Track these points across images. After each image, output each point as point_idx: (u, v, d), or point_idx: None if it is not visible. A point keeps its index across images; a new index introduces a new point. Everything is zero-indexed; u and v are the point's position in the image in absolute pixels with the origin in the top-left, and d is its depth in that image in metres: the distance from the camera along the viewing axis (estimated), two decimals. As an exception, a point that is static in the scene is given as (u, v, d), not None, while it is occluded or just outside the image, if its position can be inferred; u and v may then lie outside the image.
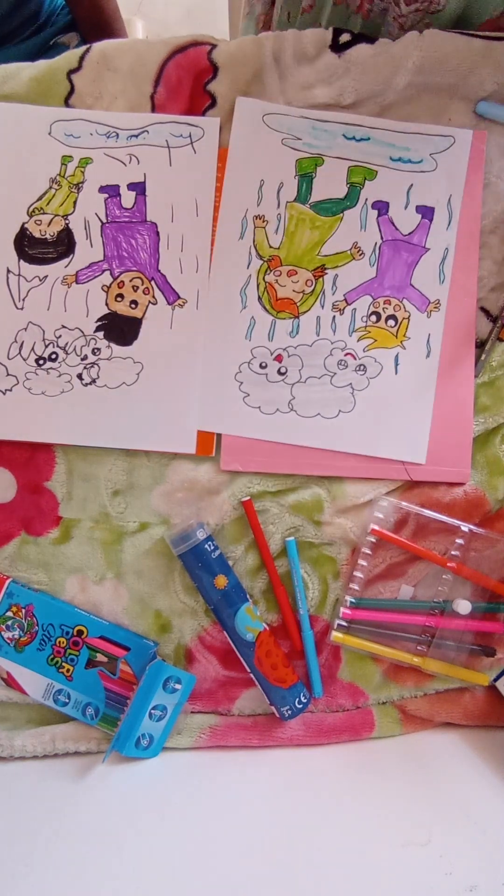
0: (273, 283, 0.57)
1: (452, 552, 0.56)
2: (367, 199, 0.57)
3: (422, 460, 0.56)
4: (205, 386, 0.56)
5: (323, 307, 0.57)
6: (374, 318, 0.56)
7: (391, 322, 0.56)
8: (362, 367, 0.56)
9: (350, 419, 0.56)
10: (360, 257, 0.57)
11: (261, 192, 0.57)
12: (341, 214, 0.57)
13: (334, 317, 0.56)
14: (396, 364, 0.56)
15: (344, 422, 0.56)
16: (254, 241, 0.57)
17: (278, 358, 0.56)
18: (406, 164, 0.57)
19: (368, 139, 0.57)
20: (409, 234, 0.57)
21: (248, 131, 0.57)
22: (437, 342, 0.56)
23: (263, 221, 0.57)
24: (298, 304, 0.57)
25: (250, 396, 0.56)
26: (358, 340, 0.56)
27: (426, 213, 0.57)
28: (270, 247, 0.57)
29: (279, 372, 0.56)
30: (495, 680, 0.56)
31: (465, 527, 0.55)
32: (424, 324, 0.57)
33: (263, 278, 0.57)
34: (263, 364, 0.56)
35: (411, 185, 0.57)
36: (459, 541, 0.56)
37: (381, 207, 0.57)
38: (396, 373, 0.56)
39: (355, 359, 0.56)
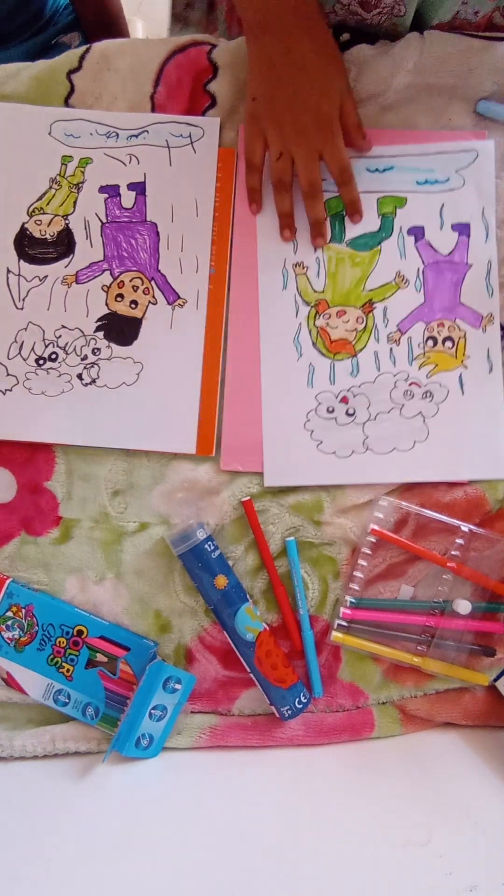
0: (324, 326, 0.56)
1: (452, 552, 0.56)
2: (401, 227, 0.57)
3: (503, 475, 0.55)
4: (274, 441, 0.56)
5: (378, 341, 0.56)
6: (430, 343, 0.56)
7: (448, 344, 0.56)
8: (429, 394, 0.56)
9: (426, 448, 0.55)
10: (405, 286, 0.56)
11: (296, 240, 0.57)
12: (379, 247, 0.57)
13: (391, 349, 0.56)
14: (461, 385, 0.56)
15: (421, 451, 0.55)
16: (297, 289, 0.57)
17: (344, 400, 0.56)
18: (434, 185, 0.57)
19: (392, 168, 0.57)
20: (450, 253, 0.57)
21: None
22: (497, 355, 0.56)
23: (303, 268, 0.57)
24: (353, 342, 0.56)
25: (323, 443, 0.56)
26: (419, 368, 0.56)
27: (462, 229, 0.57)
28: (315, 291, 0.57)
29: (347, 413, 0.56)
30: (495, 680, 0.56)
31: (465, 527, 0.55)
32: (481, 339, 0.56)
33: (314, 323, 0.56)
34: (330, 409, 0.56)
35: (442, 204, 0.57)
36: (459, 541, 0.56)
37: (417, 233, 0.57)
38: (463, 393, 0.56)
39: (420, 387, 0.56)
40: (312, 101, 0.50)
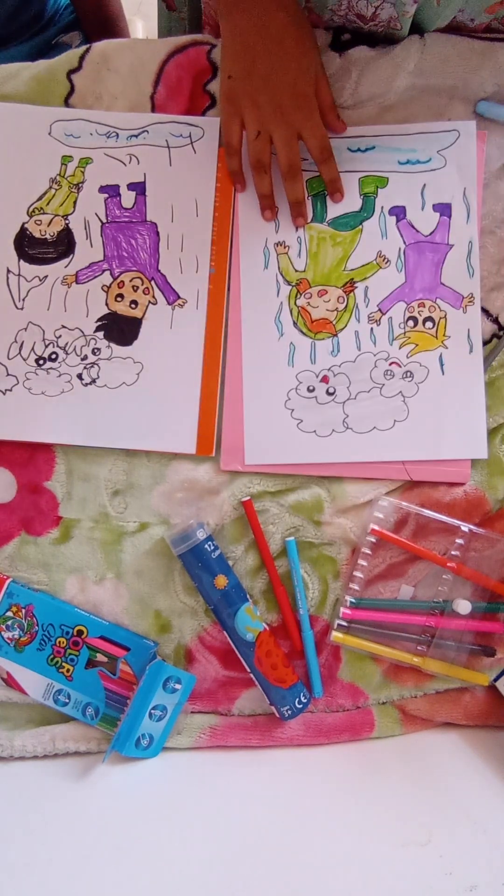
0: (305, 305, 0.57)
1: (452, 552, 0.56)
2: (383, 207, 0.57)
3: (484, 455, 0.55)
4: (254, 420, 0.56)
5: (359, 321, 0.56)
6: (411, 322, 0.56)
7: (429, 324, 0.56)
8: (409, 374, 0.56)
9: (406, 427, 0.56)
10: (386, 265, 0.56)
11: (277, 219, 0.57)
12: (360, 226, 0.57)
13: (372, 329, 0.56)
14: (441, 364, 0.56)
15: (401, 431, 0.56)
16: (279, 268, 0.57)
17: (324, 379, 0.56)
18: (415, 165, 0.56)
19: (374, 148, 0.56)
20: (431, 233, 0.56)
21: None
22: (477, 336, 0.56)
23: (285, 247, 0.57)
24: (334, 322, 0.56)
25: (304, 422, 0.56)
26: (400, 348, 0.56)
27: (443, 210, 0.56)
28: (296, 271, 0.57)
29: (328, 392, 0.56)
30: (495, 680, 0.56)
31: (465, 527, 0.55)
32: (462, 320, 0.56)
33: (295, 303, 0.57)
34: (311, 388, 0.56)
35: (424, 185, 0.56)
36: (459, 541, 0.56)
37: (399, 212, 0.57)
38: (443, 373, 0.56)
39: (400, 366, 0.56)
40: (289, 78, 0.50)
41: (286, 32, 0.49)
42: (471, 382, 0.56)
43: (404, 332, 0.56)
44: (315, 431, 0.56)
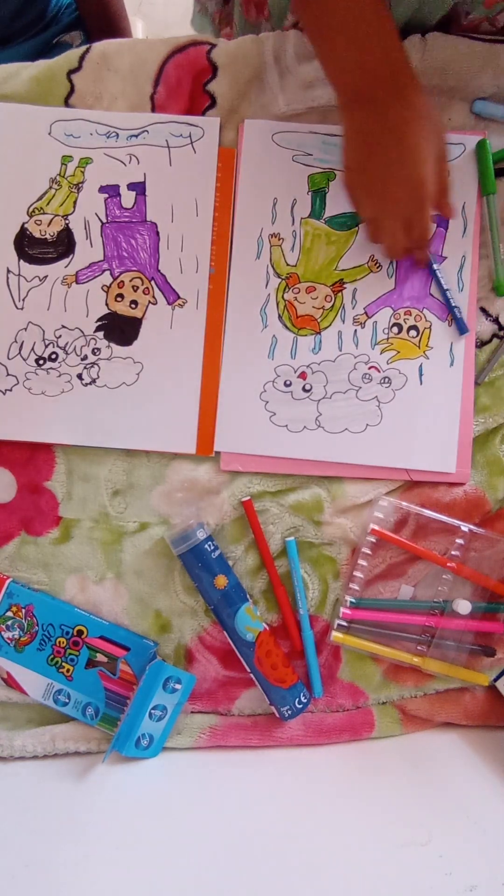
0: (292, 300, 0.57)
1: (452, 552, 0.56)
2: None
3: (452, 469, 0.55)
4: (227, 408, 0.56)
5: (344, 322, 0.56)
6: (395, 329, 0.56)
7: (413, 333, 0.56)
8: (387, 380, 0.56)
9: (378, 432, 0.56)
10: (377, 270, 0.56)
11: (274, 210, 0.57)
12: (356, 228, 0.57)
13: (356, 331, 0.56)
14: (421, 375, 0.56)
15: (372, 435, 0.56)
16: (270, 260, 0.57)
17: (302, 375, 0.56)
18: None
19: None
20: None
21: (258, 151, 0.57)
22: (460, 350, 0.56)
23: (279, 239, 0.57)
24: (319, 319, 0.56)
25: (276, 415, 0.56)
26: (381, 353, 0.56)
27: (441, 221, 0.56)
28: (287, 264, 0.57)
29: (304, 389, 0.56)
30: (495, 680, 0.56)
31: (465, 527, 0.55)
32: (446, 333, 0.56)
33: (282, 296, 0.57)
34: (288, 382, 0.56)
35: None
36: (459, 541, 0.56)
37: None
38: (421, 383, 0.56)
39: (379, 371, 0.56)
40: (405, 172, 0.47)
41: (406, 127, 0.46)
42: (448, 395, 0.56)
43: (387, 338, 0.56)
44: (287, 426, 0.56)
